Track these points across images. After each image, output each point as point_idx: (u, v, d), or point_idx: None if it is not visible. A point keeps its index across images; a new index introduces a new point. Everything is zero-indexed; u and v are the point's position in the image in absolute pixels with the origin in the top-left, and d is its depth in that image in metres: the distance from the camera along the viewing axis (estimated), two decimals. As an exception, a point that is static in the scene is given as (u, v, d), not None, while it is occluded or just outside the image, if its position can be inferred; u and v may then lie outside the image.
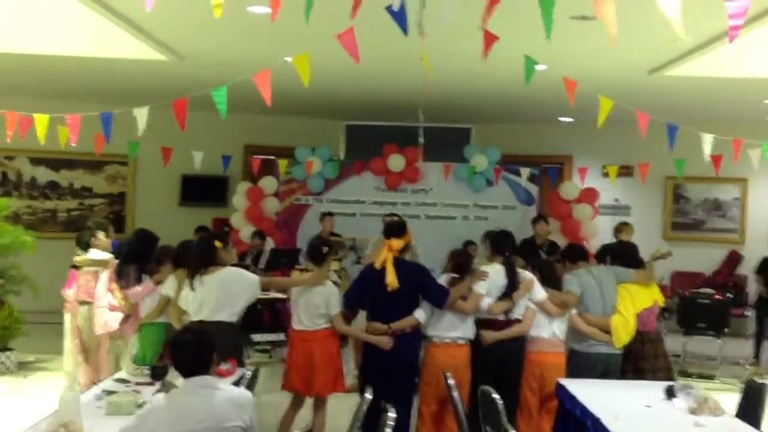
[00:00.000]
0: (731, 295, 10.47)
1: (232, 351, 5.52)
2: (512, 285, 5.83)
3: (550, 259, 8.60)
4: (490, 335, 5.77)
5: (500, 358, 5.75)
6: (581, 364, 5.95)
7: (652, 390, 5.12)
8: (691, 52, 7.38)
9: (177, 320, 5.76)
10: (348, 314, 6.03)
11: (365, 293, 5.83)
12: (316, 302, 5.90)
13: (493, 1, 4.24)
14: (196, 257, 5.71)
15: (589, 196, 11.41)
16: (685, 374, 9.16)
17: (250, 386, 4.69)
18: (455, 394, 4.84)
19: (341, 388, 6.03)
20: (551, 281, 6.11)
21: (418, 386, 5.82)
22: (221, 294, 5.54)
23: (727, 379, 9.09)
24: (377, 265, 5.68)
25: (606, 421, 4.34)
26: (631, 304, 6.06)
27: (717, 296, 9.80)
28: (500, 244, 6.11)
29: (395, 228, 5.92)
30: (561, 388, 5.27)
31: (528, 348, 5.90)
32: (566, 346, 6.05)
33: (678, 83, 9.03)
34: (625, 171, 11.33)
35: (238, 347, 5.85)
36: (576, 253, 6.59)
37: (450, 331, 5.73)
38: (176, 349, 3.72)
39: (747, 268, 12.27)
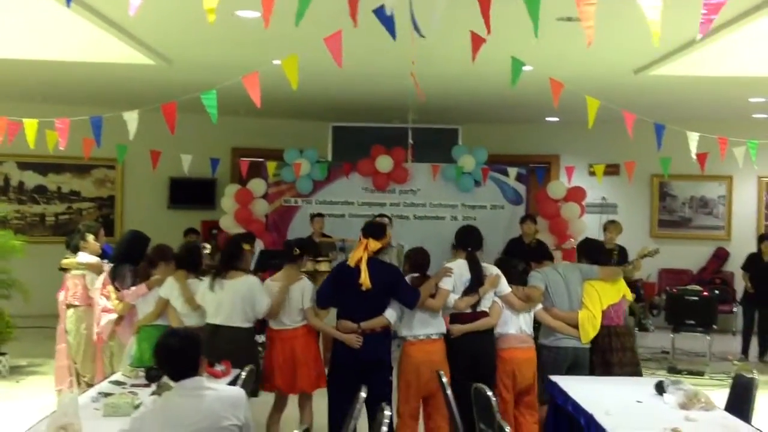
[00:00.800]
0: (718, 292, 10.57)
1: (248, 355, 5.62)
2: (477, 279, 5.91)
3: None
4: (457, 328, 5.86)
5: (472, 352, 5.83)
6: (550, 359, 6.06)
7: (643, 386, 5.18)
8: (675, 51, 7.45)
9: (178, 322, 5.81)
10: (319, 311, 6.09)
11: (337, 291, 5.87)
12: (294, 299, 5.99)
13: (485, 5, 4.30)
14: (225, 257, 5.89)
15: (576, 194, 11.47)
16: (674, 371, 9.23)
17: (246, 386, 4.71)
18: (448, 391, 4.88)
19: (323, 383, 6.07)
20: (515, 278, 6.20)
21: (394, 385, 5.87)
22: (239, 302, 5.76)
23: (716, 375, 9.17)
24: (351, 263, 5.73)
25: (598, 416, 4.40)
26: (597, 300, 6.18)
27: (705, 293, 9.89)
28: (463, 239, 6.20)
29: (375, 229, 5.96)
30: (553, 385, 5.34)
31: (498, 346, 5.98)
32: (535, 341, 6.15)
33: (663, 82, 9.10)
34: (612, 169, 11.39)
35: (253, 351, 5.94)
36: (541, 253, 6.72)
37: (422, 328, 5.78)
38: (163, 354, 3.69)
39: (733, 265, 12.38)
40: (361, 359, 5.67)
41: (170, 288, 5.97)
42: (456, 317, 5.89)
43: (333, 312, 6.10)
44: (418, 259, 6.13)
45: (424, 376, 5.66)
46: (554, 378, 5.47)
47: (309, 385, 6.05)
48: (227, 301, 5.74)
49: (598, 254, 6.60)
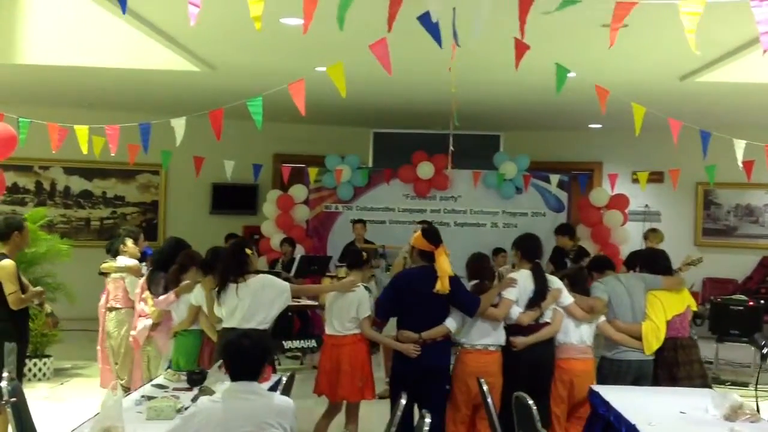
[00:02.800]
0: (764, 302, 10.38)
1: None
2: (541, 292, 5.82)
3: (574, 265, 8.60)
4: (520, 340, 5.75)
5: (532, 363, 5.72)
6: (612, 372, 5.91)
7: (686, 396, 5.11)
8: (721, 58, 7.36)
9: (210, 329, 5.84)
10: (379, 322, 6.05)
11: (397, 301, 5.82)
12: (347, 306, 5.98)
13: (524, 12, 4.28)
14: (230, 266, 5.75)
15: (619, 202, 11.37)
16: (718, 381, 9.08)
17: (286, 391, 4.74)
18: (489, 399, 4.85)
19: (369, 395, 6.06)
20: (580, 288, 6.11)
21: (449, 393, 5.83)
22: (254, 302, 5.57)
23: (761, 386, 9.00)
24: (443, 272, 5.59)
25: (641, 427, 4.34)
26: (661, 311, 5.99)
27: (750, 302, 9.72)
28: (529, 249, 6.08)
29: (439, 235, 5.87)
30: (594, 394, 5.28)
31: (557, 356, 5.87)
32: (595, 353, 6.04)
33: (709, 89, 9.00)
34: (655, 177, 11.27)
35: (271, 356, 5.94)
36: (602, 264, 6.57)
37: (481, 338, 5.72)
38: (232, 353, 3.79)
39: (779, 275, 12.17)
40: (421, 367, 5.61)
41: (200, 294, 5.98)
42: (517, 329, 5.79)
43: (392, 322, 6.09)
44: (478, 266, 6.10)
45: (475, 385, 5.60)
46: (595, 387, 5.41)
47: (351, 394, 6.02)
48: (242, 303, 5.57)
49: (658, 263, 6.41)
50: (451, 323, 5.68)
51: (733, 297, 10.09)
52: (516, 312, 5.76)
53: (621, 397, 5.02)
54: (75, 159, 8.70)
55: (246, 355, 3.75)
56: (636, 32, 5.19)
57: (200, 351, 5.95)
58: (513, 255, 6.17)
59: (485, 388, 4.97)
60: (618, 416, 4.70)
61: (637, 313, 5.99)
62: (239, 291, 5.56)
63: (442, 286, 5.54)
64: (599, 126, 12.86)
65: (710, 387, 6.06)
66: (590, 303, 5.91)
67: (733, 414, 4.53)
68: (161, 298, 6.21)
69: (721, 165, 7.71)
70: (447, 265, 5.62)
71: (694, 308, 6.39)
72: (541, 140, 13.28)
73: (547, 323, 5.81)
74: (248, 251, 5.75)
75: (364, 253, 6.31)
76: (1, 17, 7.26)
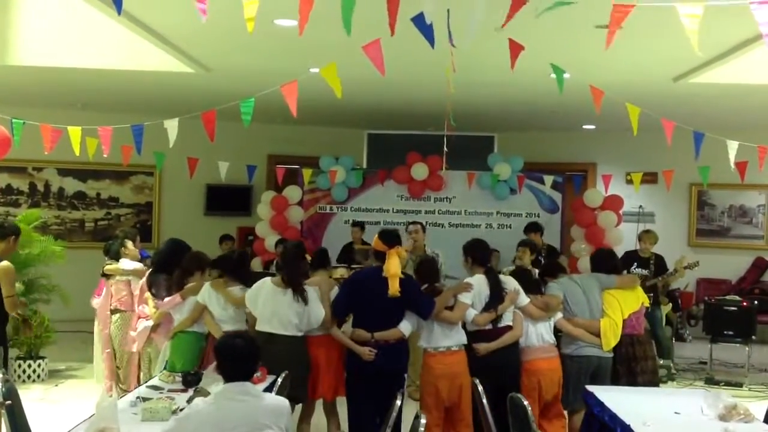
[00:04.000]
0: (757, 302, 10.41)
1: (303, 363, 5.68)
2: (497, 296, 5.88)
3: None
4: (484, 347, 5.83)
5: (496, 366, 5.80)
6: (573, 368, 6.05)
7: (680, 396, 5.13)
8: (715, 59, 7.38)
9: (212, 327, 5.86)
10: (337, 321, 6.09)
11: (351, 300, 5.88)
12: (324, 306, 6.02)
13: (515, 9, 4.27)
14: (292, 267, 5.92)
15: (613, 203, 11.38)
16: (712, 382, 9.12)
17: (281, 392, 4.74)
18: (484, 400, 4.87)
19: (343, 391, 6.09)
20: (532, 287, 6.17)
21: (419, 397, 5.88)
22: (298, 311, 5.78)
23: (755, 387, 9.05)
24: (391, 273, 5.63)
25: (635, 427, 4.36)
26: (618, 309, 6.20)
27: (744, 303, 9.76)
28: (480, 255, 6.14)
29: (396, 236, 5.93)
30: (589, 395, 5.30)
31: (522, 358, 5.96)
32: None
33: (703, 90, 9.02)
34: (649, 178, 11.29)
35: (307, 359, 5.96)
36: (553, 269, 6.72)
37: (442, 340, 5.77)
38: (226, 353, 3.80)
39: (773, 275, 12.21)
40: (376, 369, 5.67)
41: (208, 294, 6.01)
42: (479, 335, 5.86)
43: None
44: (426, 268, 6.15)
45: (445, 387, 5.66)
46: (591, 388, 5.43)
47: (328, 392, 6.09)
48: (283, 310, 5.76)
49: (610, 263, 6.59)
50: (405, 326, 5.75)
51: (727, 297, 10.12)
52: (472, 314, 5.83)
53: (615, 398, 5.04)
54: (69, 160, 8.68)
55: (239, 356, 3.76)
56: (630, 34, 5.19)
57: (206, 353, 5.95)
58: (463, 261, 6.19)
59: (480, 389, 4.97)
60: (612, 416, 4.72)
61: (595, 311, 6.17)
62: (281, 296, 5.70)
63: (392, 289, 5.59)
64: (593, 127, 12.88)
65: (657, 384, 6.39)
66: (545, 300, 6.08)
67: (727, 414, 4.55)
68: (167, 299, 6.21)
69: (714, 166, 7.73)
70: (395, 267, 5.66)
71: (648, 304, 6.57)
72: (535, 141, 13.30)
73: (508, 326, 5.87)
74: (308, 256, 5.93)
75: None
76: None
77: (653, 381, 6.26)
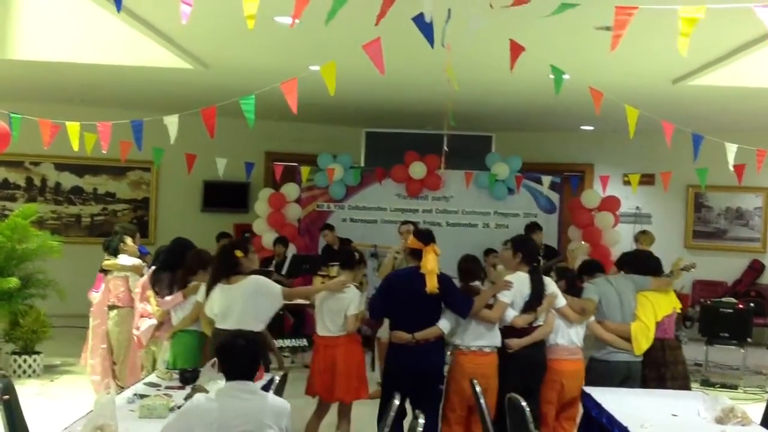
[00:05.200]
0: (753, 305, 10.43)
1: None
2: (537, 296, 5.82)
3: (550, 263, 8.69)
4: (515, 342, 5.76)
5: (524, 364, 5.75)
6: (601, 372, 5.94)
7: (677, 399, 5.14)
8: (715, 62, 7.39)
9: (207, 327, 5.84)
10: (373, 323, 6.04)
11: (388, 301, 5.84)
12: (339, 307, 5.97)
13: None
14: (217, 267, 5.79)
15: (610, 204, 11.40)
16: (707, 384, 9.13)
17: (279, 391, 4.74)
18: (482, 401, 4.85)
19: (364, 394, 6.07)
20: (571, 289, 6.13)
21: (443, 394, 5.84)
22: (247, 303, 5.59)
23: (750, 389, 9.06)
24: (428, 270, 5.62)
25: (633, 429, 4.37)
26: (652, 312, 6.04)
27: (739, 305, 9.77)
28: (531, 253, 6.07)
29: (431, 235, 5.92)
30: (587, 396, 5.30)
31: (547, 356, 5.90)
32: (585, 353, 6.07)
33: (702, 93, 9.03)
34: (647, 179, 11.30)
35: (264, 355, 5.90)
36: (593, 267, 6.62)
37: (476, 339, 5.72)
38: (226, 353, 3.82)
39: (770, 277, 12.24)
40: (414, 368, 5.64)
41: (204, 293, 5.99)
42: (511, 330, 5.81)
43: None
44: (469, 267, 6.11)
45: (470, 386, 5.61)
46: (588, 389, 5.43)
47: (347, 395, 6.01)
48: (234, 305, 5.59)
49: (647, 264, 6.47)
50: (444, 324, 5.69)
51: (723, 300, 10.15)
52: (511, 315, 5.77)
53: (613, 400, 5.04)
54: (66, 155, 8.66)
55: (240, 355, 3.77)
56: (629, 35, 5.19)
57: (203, 351, 5.94)
58: (510, 256, 6.09)
59: (478, 389, 4.97)
60: (610, 418, 4.72)
61: (627, 314, 6.04)
62: (230, 292, 5.58)
63: (430, 285, 5.56)
64: (591, 128, 12.90)
65: (690, 389, 6.16)
66: (582, 305, 5.95)
67: (724, 417, 4.55)
68: (168, 298, 6.19)
69: (711, 168, 7.73)
70: (432, 264, 5.64)
71: (679, 309, 6.44)
72: (533, 141, 13.31)
73: (539, 325, 5.84)
74: (238, 253, 5.75)
75: (357, 254, 6.31)
76: (-6, 12, 7.24)
77: (685, 386, 6.09)
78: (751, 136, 7.83)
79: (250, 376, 3.76)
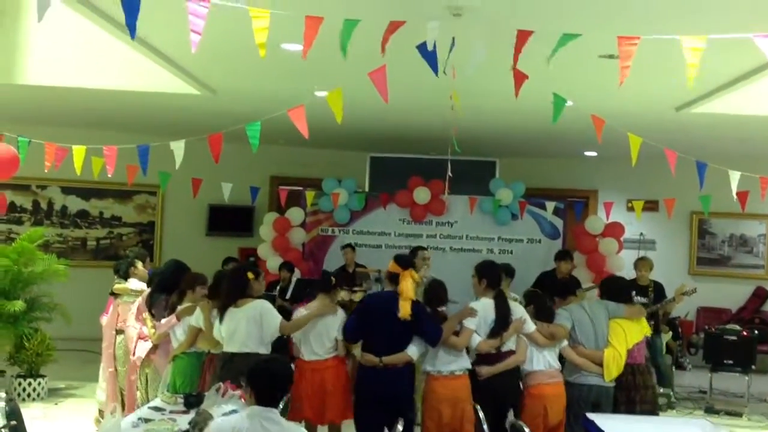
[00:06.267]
0: (758, 332, 10.40)
1: None
2: (503, 321, 5.89)
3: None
4: (486, 370, 5.86)
5: (495, 390, 5.84)
6: (574, 396, 6.06)
7: (679, 426, 5.13)
8: (718, 89, 7.43)
9: (204, 343, 5.88)
10: (348, 345, 6.14)
11: (362, 323, 5.93)
12: (327, 329, 6.08)
13: (520, 42, 4.36)
14: (229, 288, 5.84)
15: (614, 230, 11.41)
16: (711, 411, 9.10)
17: (282, 414, 4.74)
18: (485, 427, 4.87)
19: (351, 414, 6.10)
20: (544, 314, 6.19)
21: (415, 420, 5.88)
22: (251, 327, 5.70)
23: (754, 417, 9.03)
24: (406, 296, 5.69)
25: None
26: (623, 340, 6.21)
27: (744, 332, 9.76)
28: (494, 276, 6.17)
29: (410, 260, 6.15)
30: (590, 423, 5.30)
31: (527, 383, 5.98)
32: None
33: (705, 120, 9.07)
34: (651, 206, 11.31)
35: None
36: (566, 289, 6.73)
37: (447, 364, 5.81)
38: (262, 377, 3.82)
39: (773, 304, 12.22)
40: (380, 393, 5.71)
41: (199, 317, 6.02)
42: (482, 358, 5.89)
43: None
44: (435, 292, 6.19)
45: (447, 412, 5.67)
46: (591, 416, 5.44)
47: (338, 416, 6.12)
48: (240, 328, 5.72)
49: (622, 293, 6.60)
50: (413, 351, 5.80)
51: (727, 327, 10.12)
52: (476, 340, 5.86)
53: (616, 426, 5.04)
54: (72, 178, 8.72)
55: (278, 380, 3.84)
56: (633, 63, 5.26)
57: (203, 373, 5.96)
58: (476, 283, 6.20)
59: (482, 415, 4.98)
60: (612, 445, 4.72)
61: (600, 340, 6.18)
62: (236, 315, 5.66)
63: (403, 311, 5.62)
64: (595, 154, 12.94)
65: (657, 413, 6.40)
66: (551, 330, 6.09)
67: (726, 444, 4.56)
68: (163, 321, 6.23)
69: (715, 195, 7.77)
70: (408, 289, 5.70)
71: (648, 333, 6.61)
72: (536, 167, 13.36)
73: (511, 351, 5.89)
74: (250, 275, 5.84)
75: (333, 278, 6.44)
76: (3, 37, 7.31)
77: (653, 411, 6.27)
78: (755, 164, 7.88)
79: (276, 403, 3.80)
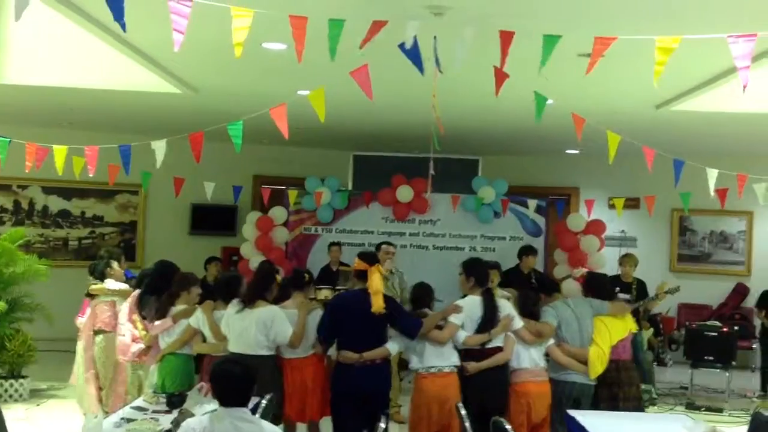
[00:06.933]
0: (738, 328, 10.50)
1: (272, 383, 5.64)
2: (490, 318, 5.90)
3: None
4: (473, 365, 5.86)
5: (483, 386, 5.84)
6: (557, 392, 6.09)
7: (659, 422, 5.17)
8: (697, 87, 7.49)
9: (210, 349, 5.89)
10: (323, 345, 6.16)
11: (335, 323, 5.92)
12: (309, 328, 6.06)
13: (505, 44, 4.39)
14: (257, 287, 5.92)
15: (595, 227, 11.46)
16: (692, 407, 9.17)
17: (266, 415, 4.75)
18: (467, 424, 4.89)
19: (329, 411, 6.10)
20: (530, 312, 6.22)
21: (388, 417, 5.88)
22: (260, 331, 5.79)
23: (735, 412, 9.10)
24: (375, 290, 5.69)
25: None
26: (607, 337, 6.24)
27: (724, 329, 9.83)
28: (481, 275, 6.18)
29: (375, 256, 6.16)
30: (570, 419, 5.33)
31: (513, 380, 5.99)
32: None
33: (685, 118, 9.13)
34: (632, 203, 11.38)
35: (277, 379, 5.95)
36: (551, 285, 6.76)
37: (434, 360, 5.80)
38: (221, 379, 3.81)
39: (754, 301, 12.28)
40: (359, 389, 5.71)
41: (200, 318, 6.03)
42: (469, 354, 5.90)
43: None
44: (419, 294, 6.22)
45: (435, 410, 5.67)
46: (572, 412, 5.47)
47: (317, 413, 6.15)
48: (249, 329, 5.79)
49: (605, 290, 6.65)
50: (392, 346, 5.82)
51: (708, 323, 10.22)
52: (462, 336, 5.86)
53: (596, 423, 5.07)
54: (53, 178, 8.68)
55: (235, 381, 3.77)
56: (612, 62, 5.30)
57: (201, 374, 5.96)
58: (463, 280, 6.21)
59: (464, 413, 5.00)
60: (593, 441, 4.76)
61: (585, 338, 6.22)
62: (248, 316, 5.72)
63: (376, 304, 5.63)
64: (576, 152, 13.01)
65: (643, 410, 6.32)
66: (539, 328, 6.10)
67: (706, 440, 4.61)
68: (157, 323, 6.19)
69: (695, 192, 7.83)
70: (377, 283, 5.71)
71: (635, 330, 6.65)
72: (519, 165, 13.41)
73: (499, 348, 5.91)
74: (278, 278, 5.93)
75: (306, 275, 6.44)
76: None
77: (638, 407, 6.28)
78: (735, 160, 7.98)
79: (244, 403, 3.77)
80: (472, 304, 5.96)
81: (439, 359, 5.79)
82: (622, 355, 6.32)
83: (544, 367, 6.08)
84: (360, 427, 5.50)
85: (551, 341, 6.14)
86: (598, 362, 6.11)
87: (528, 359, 5.99)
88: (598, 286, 6.64)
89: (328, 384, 6.14)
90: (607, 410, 5.97)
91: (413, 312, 6.05)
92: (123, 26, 3.72)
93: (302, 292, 6.24)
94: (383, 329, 5.81)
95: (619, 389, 6.21)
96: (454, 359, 5.85)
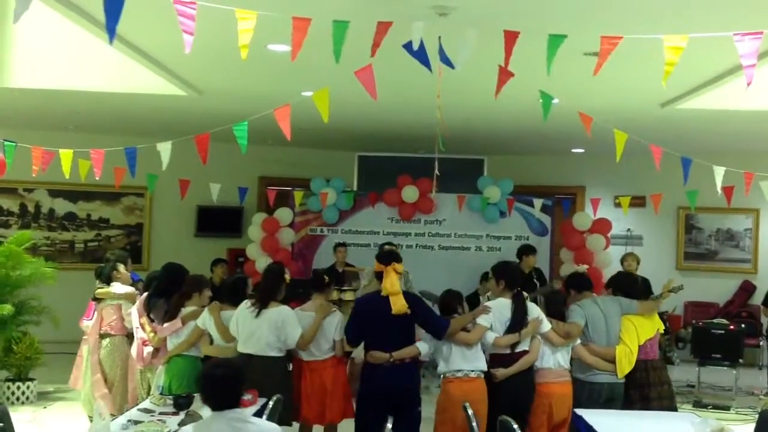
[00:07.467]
0: (745, 326, 10.47)
1: (282, 385, 5.64)
2: (520, 321, 5.84)
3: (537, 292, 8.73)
4: (501, 372, 5.77)
5: (513, 391, 5.76)
6: (585, 393, 6.01)
7: (668, 420, 5.16)
8: (703, 85, 7.47)
9: (217, 351, 5.89)
10: (351, 346, 6.14)
11: (362, 325, 5.87)
12: (325, 330, 6.05)
13: (510, 44, 4.38)
14: (266, 287, 5.95)
15: (601, 226, 11.46)
16: (700, 405, 9.15)
17: (272, 416, 4.75)
18: (474, 424, 4.87)
19: (351, 413, 6.10)
20: (557, 312, 6.18)
21: (421, 415, 5.84)
22: (272, 332, 5.79)
23: (742, 410, 9.08)
24: (388, 292, 5.66)
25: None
26: (635, 336, 6.14)
27: (731, 326, 9.81)
28: (513, 278, 6.09)
29: (395, 255, 6.04)
30: (578, 418, 5.32)
31: (536, 380, 5.92)
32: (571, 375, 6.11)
33: (690, 116, 9.11)
34: (638, 201, 11.38)
35: (287, 381, 5.96)
36: (582, 283, 6.63)
37: (461, 363, 5.72)
38: (207, 384, 3.78)
39: (760, 298, 12.23)
40: (389, 389, 5.66)
41: (207, 319, 6.03)
42: (497, 359, 5.84)
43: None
44: (447, 301, 6.16)
45: (461, 415, 5.61)
46: (580, 411, 5.45)
47: (337, 416, 6.10)
48: (260, 331, 5.78)
49: (635, 289, 6.57)
50: (422, 346, 5.76)
51: (715, 321, 10.19)
52: (491, 337, 5.79)
53: (604, 422, 5.06)
54: (59, 181, 8.70)
55: (222, 384, 3.74)
56: (619, 61, 5.29)
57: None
58: (494, 284, 6.15)
59: (470, 412, 4.98)
60: (602, 440, 4.74)
61: (612, 337, 6.12)
62: (260, 317, 5.73)
63: (395, 307, 5.59)
64: (582, 151, 12.99)
65: (676, 409, 6.22)
66: (567, 329, 6.00)
67: (714, 438, 4.59)
68: (167, 325, 6.19)
69: (701, 190, 7.80)
70: (391, 284, 5.67)
71: (662, 330, 6.55)
72: (524, 164, 13.40)
73: (525, 351, 5.85)
74: (288, 278, 5.92)
75: (326, 276, 6.41)
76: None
77: (671, 406, 6.17)
78: (741, 158, 7.95)
79: (234, 404, 3.73)
80: (501, 306, 5.88)
81: (465, 362, 5.70)
82: (650, 354, 6.21)
83: (567, 368, 5.98)
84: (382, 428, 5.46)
85: (578, 341, 6.07)
86: (626, 361, 6.01)
87: (552, 360, 5.91)
88: (627, 284, 6.58)
89: (348, 386, 6.13)
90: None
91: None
92: (112, 35, 3.68)
93: (322, 294, 6.22)
94: (410, 328, 5.76)
95: (650, 389, 6.11)
96: (480, 364, 5.76)
